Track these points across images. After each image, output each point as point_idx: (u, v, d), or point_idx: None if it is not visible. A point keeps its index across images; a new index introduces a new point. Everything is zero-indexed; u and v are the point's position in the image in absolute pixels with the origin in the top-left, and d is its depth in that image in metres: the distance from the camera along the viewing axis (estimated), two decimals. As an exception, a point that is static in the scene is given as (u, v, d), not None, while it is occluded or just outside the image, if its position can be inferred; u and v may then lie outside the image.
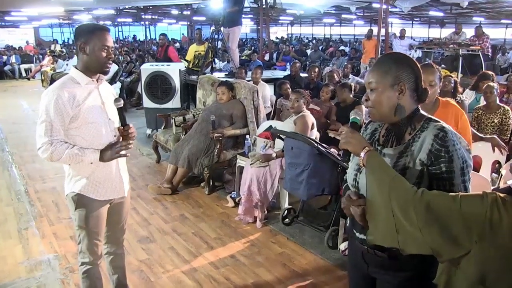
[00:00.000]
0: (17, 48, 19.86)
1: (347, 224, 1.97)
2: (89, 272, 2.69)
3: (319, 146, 3.81)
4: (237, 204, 4.72)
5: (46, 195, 5.23)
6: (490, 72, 6.56)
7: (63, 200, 5.02)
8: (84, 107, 2.42)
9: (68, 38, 31.82)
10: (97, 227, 2.62)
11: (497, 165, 4.40)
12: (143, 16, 24.15)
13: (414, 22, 27.46)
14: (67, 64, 14.04)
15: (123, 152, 2.51)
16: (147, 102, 7.73)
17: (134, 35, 32.20)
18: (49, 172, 6.03)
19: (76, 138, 2.44)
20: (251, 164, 4.44)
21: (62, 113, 2.35)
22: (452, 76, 5.80)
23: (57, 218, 4.60)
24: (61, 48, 21.71)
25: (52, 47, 20.60)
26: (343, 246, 3.80)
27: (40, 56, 19.46)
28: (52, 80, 13.85)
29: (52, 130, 2.35)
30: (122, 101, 2.51)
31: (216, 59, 9.83)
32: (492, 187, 3.78)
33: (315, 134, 4.55)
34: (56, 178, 5.79)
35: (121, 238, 2.94)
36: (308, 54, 17.42)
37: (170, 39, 22.26)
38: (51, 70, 14.55)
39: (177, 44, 23.28)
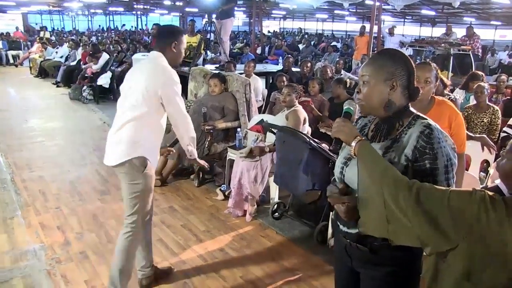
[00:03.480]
0: (4, 34, 19.52)
1: (332, 217, 1.97)
2: (136, 238, 2.92)
3: (311, 141, 3.80)
4: (226, 197, 4.71)
5: (33, 184, 5.15)
6: (480, 72, 6.59)
7: (51, 190, 4.98)
8: None
9: (58, 26, 31.47)
10: (151, 195, 2.97)
11: (485, 164, 4.44)
12: (135, 6, 23.95)
13: (406, 20, 27.56)
14: (56, 52, 13.86)
15: None
16: (137, 93, 7.64)
17: (123, 25, 31.91)
18: (37, 161, 5.96)
19: None
20: (243, 157, 4.42)
21: None
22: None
23: (44, 208, 4.54)
24: (51, 35, 21.46)
25: (42, 34, 20.33)
26: (332, 241, 3.80)
27: (29, 43, 19.20)
28: (41, 68, 13.70)
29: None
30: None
31: (208, 51, 9.77)
32: (481, 186, 3.81)
33: (307, 129, 4.54)
34: (44, 167, 5.73)
35: None
36: (300, 49, 17.40)
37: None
38: (40, 57, 14.37)
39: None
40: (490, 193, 1.36)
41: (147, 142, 2.82)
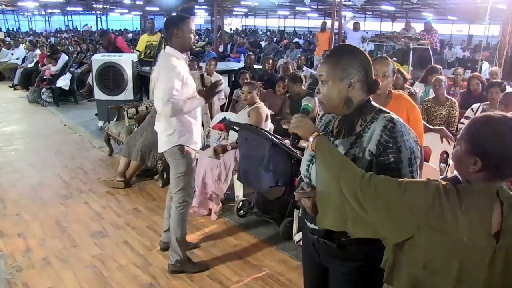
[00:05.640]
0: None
1: (300, 215, 1.99)
2: (187, 210, 3.39)
3: (273, 138, 3.82)
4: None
5: (-10, 191, 5.00)
6: (438, 66, 6.78)
7: (10, 196, 4.84)
8: (188, 77, 3.18)
9: (13, 26, 30.46)
10: (193, 172, 3.44)
11: (445, 155, 4.56)
12: (94, 5, 23.43)
13: (366, 15, 28.02)
14: (12, 54, 13.38)
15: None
16: (98, 94, 7.53)
17: (85, 25, 31.20)
18: (-6, 167, 5.78)
19: (184, 96, 3.14)
20: (209, 157, 4.40)
21: (179, 78, 3.07)
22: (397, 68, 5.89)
23: (3, 215, 4.40)
24: (5, 36, 20.73)
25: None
26: (297, 236, 3.84)
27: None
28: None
29: (172, 91, 3.02)
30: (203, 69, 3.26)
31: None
32: (441, 177, 3.92)
33: (269, 126, 4.55)
34: (1, 173, 5.55)
35: None
36: (263, 46, 17.45)
37: (122, 29, 21.75)
38: (-6, 59, 13.84)
39: (130, 35, 22.78)
40: (443, 183, 1.40)
41: (181, 131, 3.21)
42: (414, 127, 2.91)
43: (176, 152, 3.25)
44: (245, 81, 5.95)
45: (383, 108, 1.78)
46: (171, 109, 3.01)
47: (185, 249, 3.48)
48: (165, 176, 5.15)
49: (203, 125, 5.25)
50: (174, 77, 3.04)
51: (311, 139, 1.68)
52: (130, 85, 7.38)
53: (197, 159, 4.67)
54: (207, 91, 3.37)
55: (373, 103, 1.80)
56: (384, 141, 1.65)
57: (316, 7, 23.75)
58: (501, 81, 5.39)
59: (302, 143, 1.91)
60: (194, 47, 3.38)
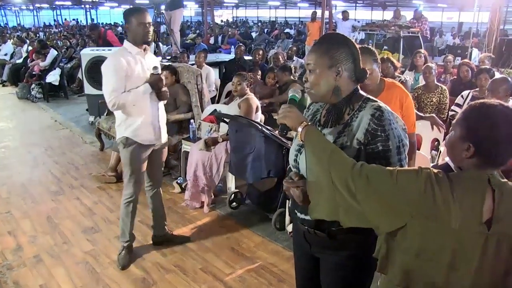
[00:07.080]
0: None
1: (289, 205, 1.97)
2: (132, 203, 3.46)
3: (263, 129, 3.80)
4: (183, 190, 4.67)
5: (-20, 189, 4.95)
6: (421, 50, 6.81)
7: (0, 194, 4.80)
8: (135, 71, 3.16)
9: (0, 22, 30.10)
10: (139, 166, 3.37)
11: (436, 142, 4.57)
12: (82, -1, 23.23)
13: (357, 4, 27.95)
14: (-1, 49, 13.24)
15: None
16: (88, 89, 7.48)
17: (74, 19, 30.92)
18: (-16, 164, 5.73)
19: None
20: (201, 150, 4.38)
21: (121, 73, 3.09)
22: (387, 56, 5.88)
23: (-7, 213, 4.38)
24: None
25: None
26: (290, 227, 3.83)
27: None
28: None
29: (116, 86, 3.08)
30: (159, 69, 3.29)
31: (160, 43, 9.60)
32: (432, 164, 3.92)
33: (259, 117, 4.53)
34: (-8, 170, 5.52)
35: (161, 178, 3.78)
36: (254, 37, 17.39)
37: (113, 23, 21.55)
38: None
39: (120, 28, 22.58)
40: (435, 171, 1.39)
41: (126, 123, 3.26)
42: (407, 114, 2.92)
43: (120, 143, 3.32)
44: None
45: (371, 97, 1.77)
46: (115, 105, 3.11)
47: (128, 250, 3.54)
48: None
49: (193, 117, 5.24)
50: (114, 74, 3.09)
51: (300, 129, 1.66)
52: (119, 79, 7.31)
53: (187, 151, 4.67)
54: (151, 78, 3.27)
55: (361, 92, 1.78)
56: (372, 130, 1.64)
57: (306, -3, 23.69)
58: (490, 68, 5.39)
59: (291, 133, 1.89)
60: (148, 39, 3.21)
